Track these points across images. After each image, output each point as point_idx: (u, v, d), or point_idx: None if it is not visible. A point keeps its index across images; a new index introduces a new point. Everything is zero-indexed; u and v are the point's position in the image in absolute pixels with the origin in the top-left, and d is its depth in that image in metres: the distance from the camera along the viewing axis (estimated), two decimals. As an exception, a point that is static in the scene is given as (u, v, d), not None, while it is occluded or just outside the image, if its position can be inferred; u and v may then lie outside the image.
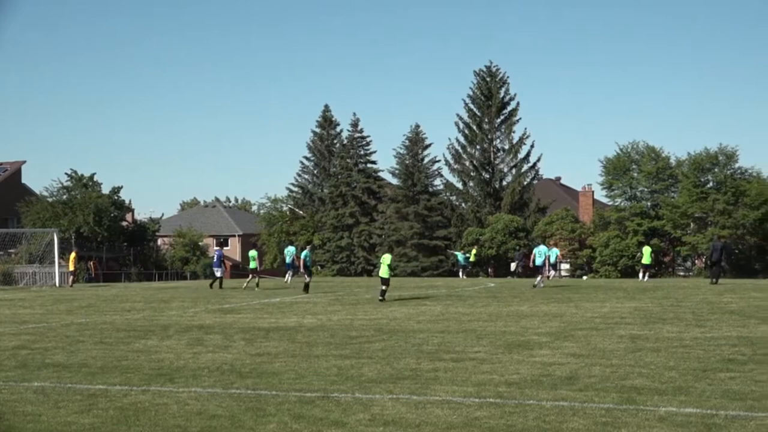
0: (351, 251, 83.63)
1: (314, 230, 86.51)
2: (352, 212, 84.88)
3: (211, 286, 42.77)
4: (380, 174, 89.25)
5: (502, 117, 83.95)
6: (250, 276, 43.81)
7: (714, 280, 41.20)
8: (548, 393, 12.17)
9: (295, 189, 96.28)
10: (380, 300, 30.96)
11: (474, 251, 67.45)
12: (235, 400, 12.00)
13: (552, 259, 43.99)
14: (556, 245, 57.19)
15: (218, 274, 43.84)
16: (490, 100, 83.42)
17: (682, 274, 70.83)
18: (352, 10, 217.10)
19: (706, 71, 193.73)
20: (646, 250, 50.39)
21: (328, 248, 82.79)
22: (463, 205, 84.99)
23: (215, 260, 45.33)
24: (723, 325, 20.90)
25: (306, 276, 37.99)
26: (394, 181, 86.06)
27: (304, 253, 39.05)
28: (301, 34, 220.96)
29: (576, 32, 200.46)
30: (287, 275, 46.68)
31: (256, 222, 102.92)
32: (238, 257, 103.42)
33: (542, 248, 41.47)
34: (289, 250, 46.72)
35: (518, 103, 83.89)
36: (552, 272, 50.30)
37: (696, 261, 72.56)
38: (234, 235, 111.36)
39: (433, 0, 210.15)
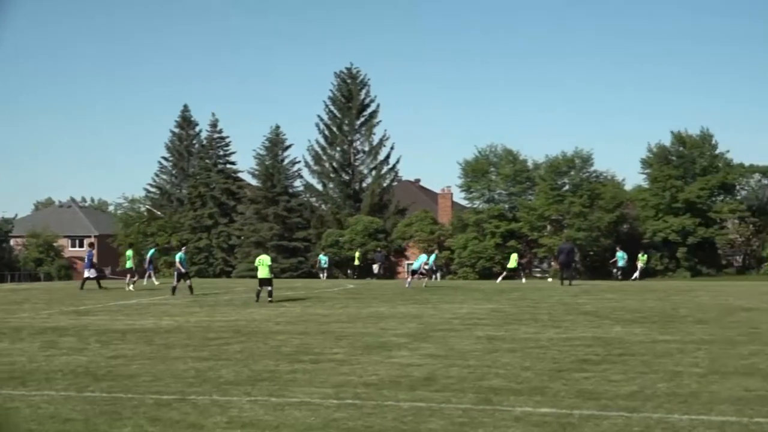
0: (210, 252, 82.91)
1: (172, 231, 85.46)
2: (210, 213, 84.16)
3: (100, 286, 41.45)
4: (240, 175, 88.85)
5: (362, 119, 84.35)
6: (128, 276, 42.97)
7: (568, 282, 41.99)
8: (406, 394, 12.22)
9: (153, 189, 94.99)
10: (269, 301, 30.66)
11: (358, 254, 67.21)
12: (89, 404, 11.75)
13: (430, 262, 44.90)
14: (436, 250, 58.01)
15: (87, 274, 42.80)
16: (351, 102, 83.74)
17: (538, 275, 72.03)
18: (210, 10, 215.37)
19: (563, 74, 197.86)
20: (513, 257, 51.45)
21: (186, 249, 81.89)
22: (323, 206, 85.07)
23: (86, 261, 44.40)
24: (578, 326, 21.32)
25: (175, 278, 37.35)
26: (254, 182, 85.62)
27: (178, 255, 38.37)
28: (161, 33, 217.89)
29: (435, 34, 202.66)
30: (146, 276, 46.35)
31: (113, 222, 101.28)
32: (94, 258, 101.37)
33: (423, 256, 43.97)
34: (150, 252, 46.52)
35: (378, 105, 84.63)
36: (437, 275, 51.54)
37: (552, 263, 73.87)
38: (90, 236, 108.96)
39: (294, 0, 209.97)
